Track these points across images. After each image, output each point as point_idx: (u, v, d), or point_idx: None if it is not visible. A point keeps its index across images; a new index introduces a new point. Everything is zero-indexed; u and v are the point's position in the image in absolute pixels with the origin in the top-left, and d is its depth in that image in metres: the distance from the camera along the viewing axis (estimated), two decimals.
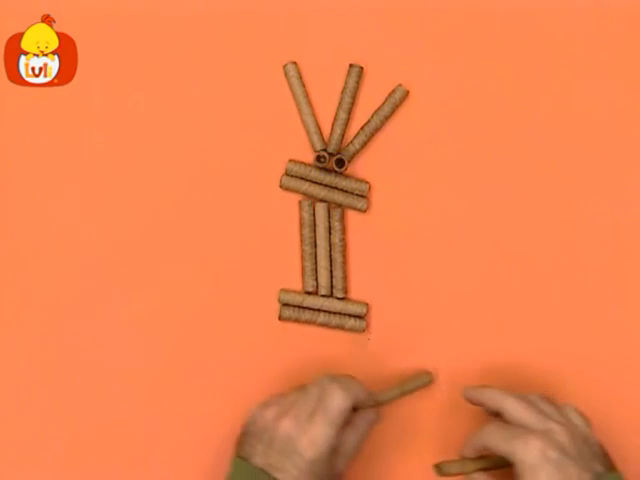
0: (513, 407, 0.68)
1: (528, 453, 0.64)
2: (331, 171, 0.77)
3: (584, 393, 0.75)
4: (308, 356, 0.76)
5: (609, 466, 0.66)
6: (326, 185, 0.76)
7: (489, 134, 0.78)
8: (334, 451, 0.68)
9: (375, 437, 0.74)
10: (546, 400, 0.70)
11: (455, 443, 0.73)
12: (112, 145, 0.77)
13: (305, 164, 0.77)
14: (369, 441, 0.73)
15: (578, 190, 0.77)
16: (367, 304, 0.76)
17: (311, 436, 0.67)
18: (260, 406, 0.70)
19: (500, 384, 0.75)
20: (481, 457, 0.70)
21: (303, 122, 0.77)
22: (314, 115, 0.77)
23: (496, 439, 0.67)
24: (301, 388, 0.70)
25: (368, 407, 0.71)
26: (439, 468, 0.69)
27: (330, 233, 0.76)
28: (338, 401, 0.67)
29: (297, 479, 0.66)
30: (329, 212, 0.76)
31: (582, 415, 0.69)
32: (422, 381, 0.74)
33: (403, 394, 0.73)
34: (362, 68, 0.77)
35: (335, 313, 0.76)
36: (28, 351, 0.75)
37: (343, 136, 0.77)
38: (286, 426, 0.67)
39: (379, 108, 0.77)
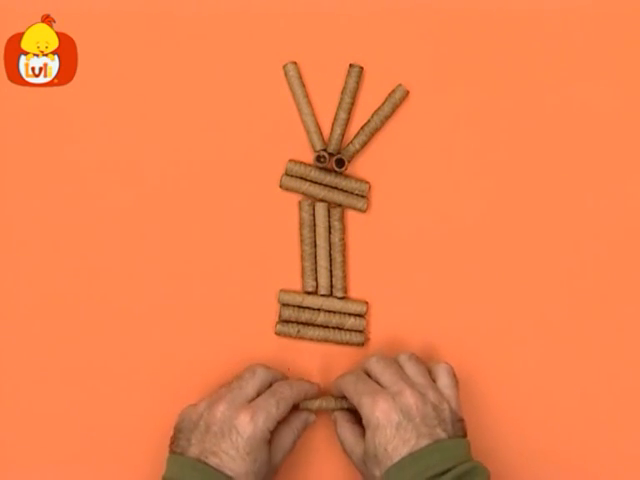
0: (373, 366, 0.70)
1: (372, 413, 0.66)
2: (331, 171, 0.77)
3: (584, 393, 0.76)
4: (308, 356, 0.76)
5: (458, 433, 0.67)
6: (326, 185, 0.76)
7: (489, 134, 0.78)
8: (271, 442, 0.68)
9: None
10: (414, 360, 0.71)
11: None
12: (112, 145, 0.77)
13: (305, 164, 0.77)
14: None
15: (578, 189, 0.77)
16: (367, 303, 0.76)
17: (251, 411, 0.67)
18: (190, 405, 0.70)
19: (500, 383, 0.75)
20: (345, 397, 0.71)
21: (303, 122, 0.77)
22: (314, 115, 0.77)
23: (350, 390, 0.69)
24: (229, 383, 0.70)
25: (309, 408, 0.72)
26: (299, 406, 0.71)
27: (330, 233, 0.76)
28: (286, 388, 0.69)
29: (234, 460, 0.65)
30: (329, 212, 0.76)
31: (452, 377, 0.70)
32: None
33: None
34: (362, 68, 0.77)
35: (335, 312, 0.76)
36: (26, 348, 0.76)
37: (343, 136, 0.77)
38: (222, 409, 0.67)
39: (379, 108, 0.77)
